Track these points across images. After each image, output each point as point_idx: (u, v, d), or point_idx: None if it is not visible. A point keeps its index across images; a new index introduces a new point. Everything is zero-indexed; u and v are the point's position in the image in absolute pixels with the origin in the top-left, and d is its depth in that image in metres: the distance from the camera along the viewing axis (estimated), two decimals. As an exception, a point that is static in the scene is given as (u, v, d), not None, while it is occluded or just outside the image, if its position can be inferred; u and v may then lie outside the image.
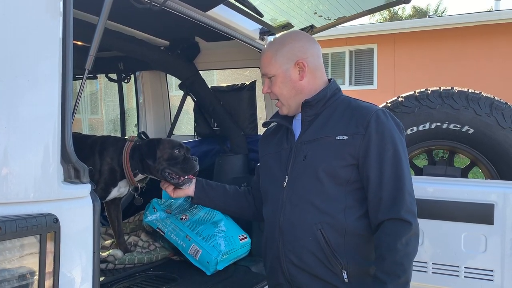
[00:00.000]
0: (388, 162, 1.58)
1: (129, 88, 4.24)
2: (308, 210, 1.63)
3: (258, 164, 2.04)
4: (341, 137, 1.61)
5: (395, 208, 1.56)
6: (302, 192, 1.66)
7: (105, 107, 6.55)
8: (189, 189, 2.04)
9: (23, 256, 1.20)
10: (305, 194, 1.65)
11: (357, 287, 1.62)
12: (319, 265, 1.63)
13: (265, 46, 1.85)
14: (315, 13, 2.52)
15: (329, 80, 1.79)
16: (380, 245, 1.57)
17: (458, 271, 2.54)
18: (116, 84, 4.03)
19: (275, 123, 1.92)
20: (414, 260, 2.70)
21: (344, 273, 1.61)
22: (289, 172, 1.70)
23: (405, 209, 1.57)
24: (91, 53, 1.44)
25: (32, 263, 1.22)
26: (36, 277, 1.22)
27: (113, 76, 3.94)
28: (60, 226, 1.26)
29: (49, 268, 1.25)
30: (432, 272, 2.60)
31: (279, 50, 1.73)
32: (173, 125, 3.61)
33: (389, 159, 1.58)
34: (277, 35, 1.92)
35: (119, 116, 4.27)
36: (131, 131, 4.23)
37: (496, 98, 2.96)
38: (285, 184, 1.70)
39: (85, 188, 1.37)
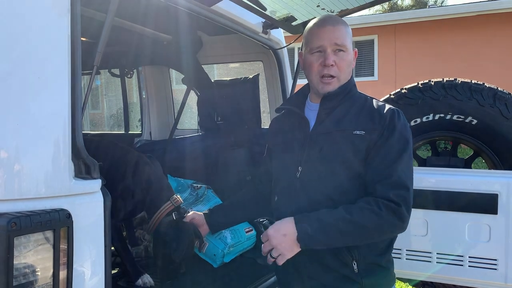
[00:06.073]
0: (401, 158, 1.61)
1: (130, 83, 4.25)
2: (323, 201, 1.64)
3: (264, 155, 2.04)
4: (358, 132, 1.64)
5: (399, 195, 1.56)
6: (317, 184, 1.66)
7: (106, 102, 6.56)
8: (206, 228, 2.06)
9: (38, 250, 1.23)
10: (320, 186, 1.66)
11: (365, 276, 1.64)
12: (330, 256, 1.64)
13: (330, 18, 1.76)
14: (318, 5, 2.52)
15: None
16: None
17: (462, 261, 2.56)
18: (116, 78, 4.04)
19: (283, 111, 1.92)
20: (418, 250, 2.73)
21: (354, 264, 1.63)
22: (302, 162, 1.70)
23: (407, 205, 1.57)
24: (99, 50, 1.45)
25: (46, 257, 1.24)
26: (50, 271, 1.24)
27: (116, 71, 3.95)
28: (72, 221, 1.28)
29: (62, 262, 1.27)
30: (437, 262, 2.62)
31: (349, 29, 1.73)
32: (176, 119, 3.62)
33: (401, 156, 1.61)
34: (329, 15, 1.83)
35: (120, 110, 4.28)
36: (135, 126, 4.24)
37: (499, 88, 2.97)
38: (298, 175, 1.70)
39: (96, 183, 1.39)
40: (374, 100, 1.76)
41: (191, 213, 2.13)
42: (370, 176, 1.61)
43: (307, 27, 1.78)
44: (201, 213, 2.10)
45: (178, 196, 2.23)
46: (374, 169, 1.61)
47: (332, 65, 1.67)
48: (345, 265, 1.64)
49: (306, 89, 1.87)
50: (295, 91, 2.18)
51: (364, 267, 1.64)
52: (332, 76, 1.69)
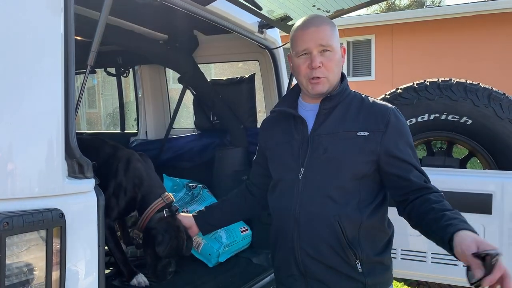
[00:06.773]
0: (411, 152, 1.68)
1: (127, 82, 4.25)
2: (326, 202, 1.64)
3: (255, 157, 2.02)
4: (362, 133, 1.65)
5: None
6: (320, 185, 1.66)
7: (102, 101, 6.56)
8: (195, 229, 2.09)
9: (30, 250, 1.22)
10: (323, 187, 1.65)
11: (368, 275, 1.65)
12: (334, 256, 1.64)
13: (313, 19, 1.72)
14: (314, 5, 2.52)
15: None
16: (442, 208, 1.57)
17: (456, 261, 2.57)
18: (113, 78, 4.04)
19: (274, 113, 1.91)
20: (413, 250, 2.74)
21: (358, 264, 1.63)
22: (305, 163, 1.69)
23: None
24: (93, 49, 1.45)
25: (39, 257, 1.24)
26: (43, 271, 1.24)
27: (112, 70, 3.95)
28: (65, 221, 1.28)
29: (55, 261, 1.27)
30: (431, 262, 2.63)
31: (334, 28, 1.71)
32: (172, 118, 3.62)
33: (411, 151, 1.68)
34: (314, 15, 1.83)
35: (117, 110, 4.28)
36: (131, 125, 4.23)
37: (494, 89, 2.98)
38: (300, 176, 1.69)
39: (89, 183, 1.39)
40: (369, 98, 1.76)
41: (179, 215, 2.13)
42: (408, 183, 1.63)
43: (292, 29, 1.76)
44: (190, 215, 2.10)
45: (170, 194, 2.23)
46: (408, 177, 1.63)
47: (319, 66, 1.65)
48: (348, 265, 1.64)
49: (297, 88, 1.85)
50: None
51: (367, 266, 1.65)
52: (320, 77, 1.68)
